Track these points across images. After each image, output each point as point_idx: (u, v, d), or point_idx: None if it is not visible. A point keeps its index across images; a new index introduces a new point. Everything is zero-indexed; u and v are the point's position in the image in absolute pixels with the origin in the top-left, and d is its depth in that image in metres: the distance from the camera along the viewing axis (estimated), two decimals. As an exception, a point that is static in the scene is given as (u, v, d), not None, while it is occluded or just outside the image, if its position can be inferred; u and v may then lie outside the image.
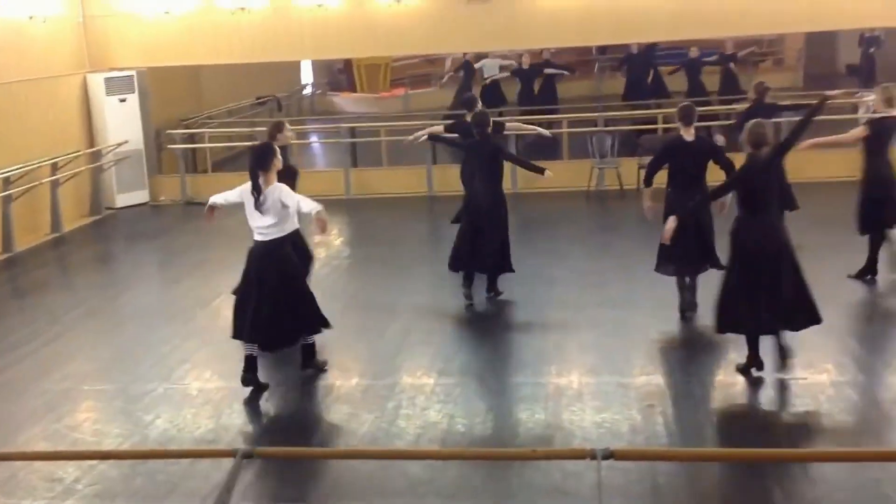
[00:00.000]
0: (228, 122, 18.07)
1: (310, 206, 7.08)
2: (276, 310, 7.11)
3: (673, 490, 5.69)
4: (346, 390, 7.43)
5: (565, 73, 18.61)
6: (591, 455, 4.10)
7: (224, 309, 9.56)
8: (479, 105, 10.17)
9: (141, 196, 14.87)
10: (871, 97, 14.31)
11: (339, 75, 25.30)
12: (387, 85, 24.00)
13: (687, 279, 8.46)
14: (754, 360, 7.06)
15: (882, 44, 21.87)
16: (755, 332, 7.02)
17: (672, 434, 6.42)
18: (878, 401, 6.68)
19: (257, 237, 7.26)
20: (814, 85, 20.34)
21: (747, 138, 6.98)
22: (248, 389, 7.30)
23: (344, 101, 24.07)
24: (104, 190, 14.48)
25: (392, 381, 7.51)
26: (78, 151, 13.94)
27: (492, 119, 9.35)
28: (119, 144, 14.40)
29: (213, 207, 7.47)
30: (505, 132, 11.41)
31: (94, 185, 14.33)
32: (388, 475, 5.94)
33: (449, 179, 14.45)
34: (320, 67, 25.09)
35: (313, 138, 19.12)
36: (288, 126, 8.65)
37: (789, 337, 7.13)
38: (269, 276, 7.16)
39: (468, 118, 9.69)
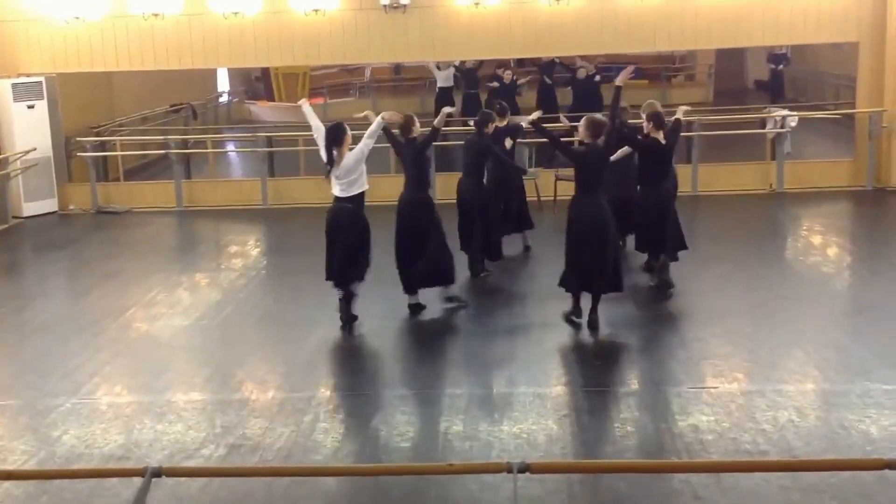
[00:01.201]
0: (141, 130, 17.71)
1: (372, 127, 8.60)
2: (347, 255, 8.65)
3: (588, 500, 5.74)
4: (262, 403, 7.32)
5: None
6: (508, 469, 4.12)
7: (136, 321, 9.37)
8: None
9: (49, 205, 14.45)
10: (779, 112, 14.81)
11: (256, 83, 25.02)
12: (305, 94, 23.79)
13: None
14: (574, 313, 8.56)
15: (789, 61, 22.60)
16: (578, 290, 8.52)
17: (587, 444, 6.49)
18: (784, 409, 6.85)
19: (336, 195, 8.68)
20: (723, 100, 20.88)
21: (587, 128, 8.37)
22: (160, 403, 7.16)
23: (261, 109, 23.80)
24: (11, 199, 14.03)
25: (309, 393, 7.43)
26: (-17, 158, 13.49)
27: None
28: (27, 152, 13.98)
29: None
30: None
31: (1, 193, 13.88)
32: (304, 491, 5.87)
33: (370, 189, 14.39)
34: (237, 75, 24.76)
35: (230, 147, 18.86)
36: (416, 119, 9.32)
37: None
38: (342, 229, 8.64)
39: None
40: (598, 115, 8.77)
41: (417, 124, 9.20)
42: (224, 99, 24.14)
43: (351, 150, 8.54)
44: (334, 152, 8.49)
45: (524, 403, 7.11)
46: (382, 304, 9.42)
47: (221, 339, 8.86)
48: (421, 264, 9.06)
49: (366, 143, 8.55)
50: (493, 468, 4.74)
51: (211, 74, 23.00)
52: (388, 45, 14.33)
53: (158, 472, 4.25)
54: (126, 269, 11.32)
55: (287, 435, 6.70)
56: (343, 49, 14.49)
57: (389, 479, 5.96)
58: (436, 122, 9.14)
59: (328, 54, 14.79)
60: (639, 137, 9.34)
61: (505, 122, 10.58)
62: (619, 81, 8.46)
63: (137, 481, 4.50)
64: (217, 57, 14.85)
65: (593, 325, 8.48)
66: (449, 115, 9.52)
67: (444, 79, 19.12)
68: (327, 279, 8.80)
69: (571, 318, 8.61)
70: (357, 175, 8.59)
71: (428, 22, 14.08)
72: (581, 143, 8.80)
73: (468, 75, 19.06)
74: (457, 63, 18.89)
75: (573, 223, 8.48)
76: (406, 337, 8.87)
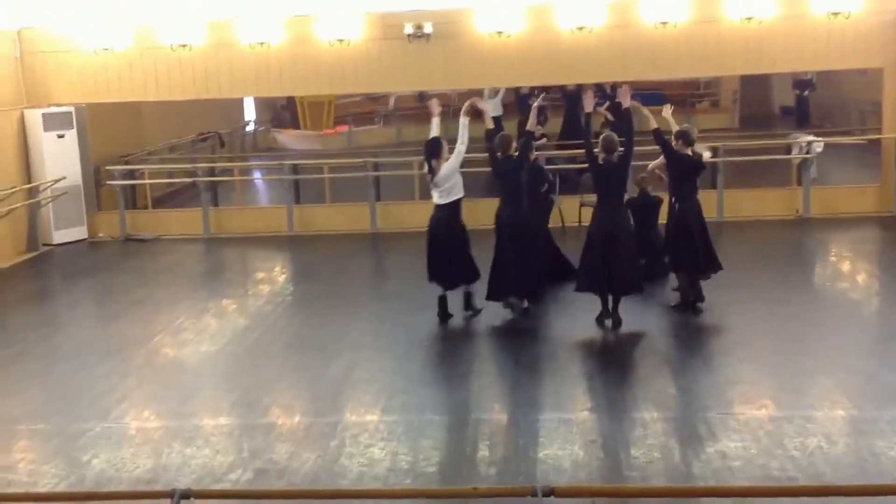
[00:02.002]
0: (169, 158, 17.92)
1: (461, 131, 9.45)
2: (444, 258, 9.53)
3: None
4: (288, 428, 7.35)
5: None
6: (532, 492, 4.12)
7: (163, 346, 9.46)
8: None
9: (79, 232, 14.63)
10: (804, 138, 14.77)
11: (282, 112, 25.27)
12: (330, 122, 24.02)
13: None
14: (603, 314, 9.24)
15: (814, 86, 22.54)
16: (602, 294, 9.26)
17: (614, 469, 6.46)
18: (813, 436, 6.79)
19: (436, 202, 9.58)
20: (749, 126, 20.85)
21: (602, 145, 9.17)
22: (188, 428, 7.25)
23: (287, 137, 24.03)
24: (41, 226, 14.22)
25: (335, 418, 7.46)
26: (14, 187, 13.69)
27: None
28: (57, 180, 14.18)
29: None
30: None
31: (31, 221, 14.07)
32: (330, 514, 5.88)
33: (392, 216, 14.54)
34: (263, 104, 25.03)
35: (256, 174, 19.04)
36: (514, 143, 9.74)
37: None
38: (441, 232, 9.51)
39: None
40: (613, 134, 9.46)
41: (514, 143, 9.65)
42: (250, 127, 24.39)
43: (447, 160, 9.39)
44: (433, 163, 9.35)
45: (550, 429, 7.09)
46: (405, 330, 9.48)
47: (248, 364, 8.91)
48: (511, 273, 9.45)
49: (458, 151, 9.37)
50: (519, 492, 4.73)
51: (237, 103, 23.28)
52: (411, 73, 14.44)
53: (187, 495, 4.29)
54: (153, 296, 11.43)
55: (313, 460, 6.72)
56: (367, 78, 14.61)
57: (414, 502, 5.96)
58: (528, 125, 9.84)
59: (352, 83, 14.94)
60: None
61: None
62: (625, 104, 9.45)
63: (167, 504, 4.54)
64: (243, 86, 15.02)
65: (616, 323, 9.18)
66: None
67: (493, 108, 18.95)
68: (430, 280, 9.65)
69: (602, 320, 9.28)
70: (453, 183, 9.40)
71: (451, 51, 14.18)
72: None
73: (521, 101, 18.87)
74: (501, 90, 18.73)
75: (591, 229, 9.37)
76: (432, 361, 8.89)
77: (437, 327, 9.62)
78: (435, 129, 9.69)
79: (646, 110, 9.95)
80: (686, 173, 9.58)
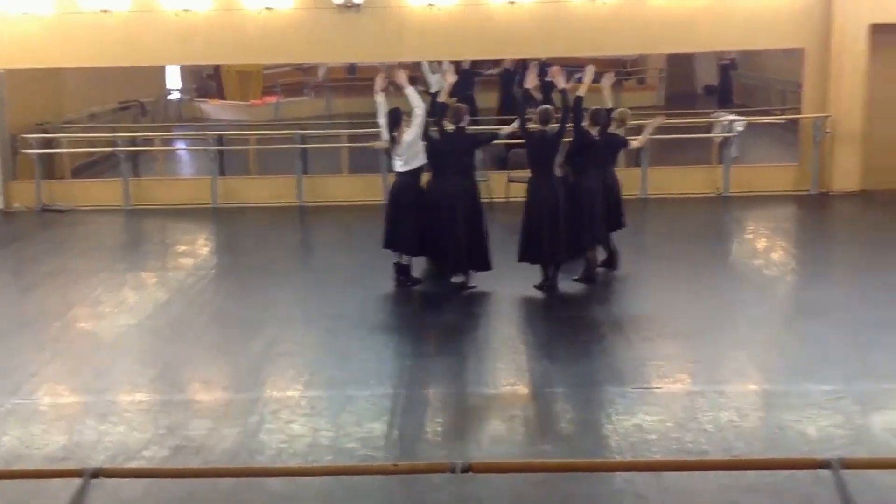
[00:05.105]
0: (89, 127, 17.45)
1: (414, 102, 9.55)
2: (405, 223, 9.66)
3: (532, 499, 5.78)
4: (207, 404, 7.27)
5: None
6: (451, 469, 4.14)
7: (79, 320, 9.25)
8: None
9: (-7, 202, 14.21)
10: (726, 117, 15.02)
11: (207, 81, 24.78)
12: (258, 93, 23.64)
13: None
14: (544, 282, 9.52)
15: (737, 66, 22.94)
16: (539, 262, 9.52)
17: (533, 444, 6.54)
18: (726, 410, 6.95)
19: (398, 169, 9.75)
20: (674, 104, 21.12)
21: (538, 117, 9.43)
22: (103, 403, 7.10)
23: (212, 107, 23.57)
24: (-47, 195, 13.77)
25: (256, 394, 7.39)
26: (-76, 154, 13.21)
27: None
28: (-30, 148, 13.73)
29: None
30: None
31: (-57, 189, 13.62)
32: (248, 492, 5.84)
33: (319, 189, 14.41)
34: (188, 73, 24.51)
35: (179, 145, 18.68)
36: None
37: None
38: (403, 198, 9.68)
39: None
40: (549, 107, 9.70)
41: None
42: (174, 97, 23.88)
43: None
44: (395, 133, 9.53)
45: (471, 405, 7.14)
46: (330, 305, 9.43)
47: (168, 338, 8.77)
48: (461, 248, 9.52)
49: (417, 118, 9.46)
50: (437, 468, 4.76)
51: (161, 72, 22.74)
52: (341, 45, 14.28)
53: (98, 473, 4.21)
54: (70, 267, 11.16)
55: (232, 436, 6.65)
56: (296, 48, 14.42)
57: (334, 479, 5.95)
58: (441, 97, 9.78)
59: (281, 53, 14.73)
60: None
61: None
62: (559, 85, 9.55)
63: (78, 482, 4.45)
64: (167, 54, 14.71)
65: (553, 288, 9.56)
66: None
67: (437, 83, 18.74)
68: (386, 246, 9.83)
69: (542, 287, 9.55)
70: (414, 151, 9.58)
71: (382, 22, 14.06)
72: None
73: (464, 77, 18.63)
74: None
75: (529, 201, 9.56)
76: (357, 336, 8.86)
77: (363, 302, 9.58)
78: (381, 106, 9.72)
79: (576, 84, 10.06)
80: (582, 147, 9.76)
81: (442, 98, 9.77)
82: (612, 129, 10.20)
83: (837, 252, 11.73)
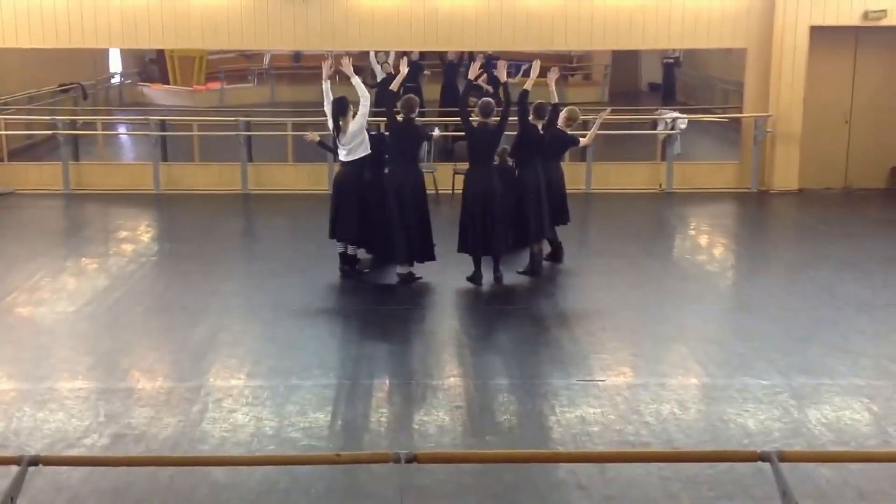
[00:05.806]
0: (28, 109, 17.06)
1: (361, 92, 9.51)
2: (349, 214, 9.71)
3: (476, 490, 5.82)
4: (148, 392, 7.17)
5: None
6: (395, 458, 4.14)
7: (17, 305, 9.06)
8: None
9: (-74, 184, 13.83)
10: (669, 114, 15.22)
11: (150, 65, 24.36)
12: (201, 78, 23.31)
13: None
14: (475, 274, 9.52)
15: (681, 64, 23.24)
16: (475, 254, 9.55)
17: (477, 435, 6.57)
18: (667, 402, 7.06)
19: (343, 159, 9.75)
20: (618, 101, 21.31)
21: (479, 109, 9.52)
22: (42, 391, 6.95)
23: (155, 92, 23.20)
24: None
25: (198, 382, 7.32)
26: None
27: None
28: None
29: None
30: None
31: None
32: (189, 481, 5.78)
33: (264, 177, 14.28)
34: (130, 56, 24.07)
35: (121, 129, 18.35)
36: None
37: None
38: (348, 188, 9.70)
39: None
40: (490, 99, 9.84)
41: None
42: (116, 80, 23.45)
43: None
44: (340, 122, 9.52)
45: (417, 396, 7.15)
46: (274, 294, 9.36)
47: (108, 325, 8.63)
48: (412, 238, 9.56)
49: (363, 108, 9.44)
50: (381, 458, 4.75)
51: (103, 54, 22.29)
52: (286, 32, 14.18)
53: (36, 461, 4.13)
54: (8, 252, 10.92)
55: (174, 425, 6.58)
56: (241, 34, 14.27)
57: (277, 469, 5.92)
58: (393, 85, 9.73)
59: (225, 39, 14.55)
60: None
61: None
62: (502, 78, 9.65)
63: (16, 470, 4.36)
64: (108, 37, 14.42)
65: (499, 280, 9.63)
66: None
67: (381, 74, 18.61)
68: (331, 237, 9.87)
69: (474, 279, 9.54)
70: (359, 140, 9.59)
71: (328, 11, 13.99)
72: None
73: (414, 69, 18.57)
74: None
75: (466, 192, 9.59)
76: (301, 325, 8.80)
77: (308, 291, 9.54)
78: (328, 94, 9.68)
79: (521, 79, 10.15)
80: (529, 143, 9.83)
81: (394, 87, 9.74)
82: (561, 125, 10.27)
83: (776, 249, 11.97)
